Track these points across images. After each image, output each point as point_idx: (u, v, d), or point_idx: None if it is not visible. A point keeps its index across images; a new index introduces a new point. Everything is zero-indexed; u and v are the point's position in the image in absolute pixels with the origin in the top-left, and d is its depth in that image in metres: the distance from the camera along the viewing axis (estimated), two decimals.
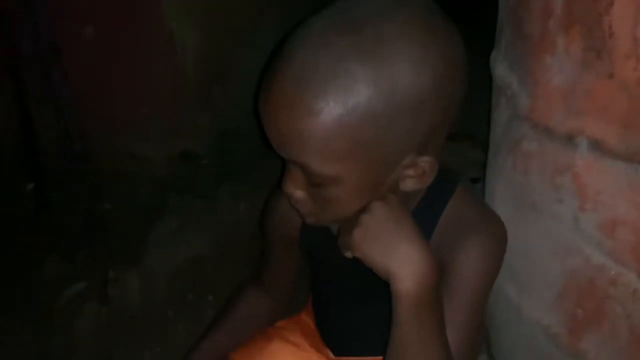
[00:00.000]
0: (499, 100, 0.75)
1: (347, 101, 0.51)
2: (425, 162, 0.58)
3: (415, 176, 0.59)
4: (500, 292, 0.85)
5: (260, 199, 1.44)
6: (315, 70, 0.51)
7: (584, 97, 0.58)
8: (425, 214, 0.67)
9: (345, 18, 0.53)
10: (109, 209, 1.43)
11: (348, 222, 0.62)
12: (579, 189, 0.64)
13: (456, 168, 1.41)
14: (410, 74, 0.52)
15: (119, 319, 1.16)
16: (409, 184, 0.60)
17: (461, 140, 1.44)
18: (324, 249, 0.75)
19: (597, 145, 0.60)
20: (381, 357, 0.64)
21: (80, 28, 1.32)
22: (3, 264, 1.31)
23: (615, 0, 0.51)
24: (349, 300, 0.77)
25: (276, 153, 0.61)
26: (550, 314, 0.76)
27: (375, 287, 0.63)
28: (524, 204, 0.74)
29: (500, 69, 0.73)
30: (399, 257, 0.57)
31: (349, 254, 0.61)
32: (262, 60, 1.54)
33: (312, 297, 0.88)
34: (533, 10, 0.61)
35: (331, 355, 0.83)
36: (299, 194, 0.61)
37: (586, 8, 0.54)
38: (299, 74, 0.52)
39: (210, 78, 1.40)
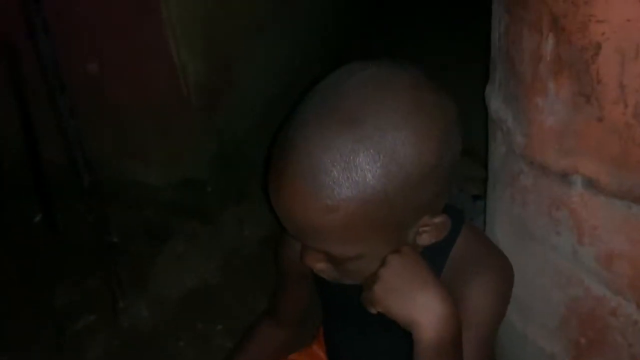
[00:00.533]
0: (495, 133, 0.76)
1: (360, 193, 0.53)
2: (438, 220, 0.60)
3: (430, 232, 0.61)
4: (505, 319, 0.86)
5: (264, 223, 1.47)
6: (326, 170, 0.52)
7: (576, 138, 0.59)
8: (433, 254, 0.68)
9: (341, 112, 0.54)
10: (115, 235, 1.45)
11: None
12: (576, 224, 0.65)
13: (457, 184, 1.43)
14: (413, 155, 0.54)
15: (131, 351, 1.17)
16: (425, 240, 0.62)
17: (461, 157, 1.44)
18: (334, 287, 0.76)
19: (591, 183, 0.61)
20: None
21: (85, 60, 1.35)
22: (12, 294, 1.32)
23: (601, 49, 0.52)
24: (362, 332, 0.78)
25: None
26: (554, 342, 0.77)
27: (388, 320, 0.65)
28: (524, 235, 0.75)
29: (495, 104, 0.74)
30: (419, 307, 0.59)
31: (373, 310, 0.62)
32: (262, 84, 1.58)
33: (323, 328, 0.90)
34: (524, 53, 0.62)
35: None
36: (320, 266, 0.63)
37: (573, 55, 0.55)
38: (309, 174, 0.53)
39: (212, 102, 1.41)
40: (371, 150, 0.52)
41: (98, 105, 1.42)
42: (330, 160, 0.52)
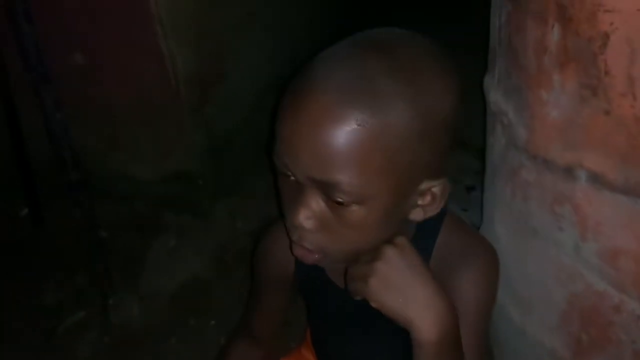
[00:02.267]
0: (494, 126, 0.74)
1: (387, 115, 0.51)
2: (438, 186, 0.58)
3: (424, 205, 0.59)
4: (503, 313, 0.85)
5: (256, 215, 1.45)
6: (354, 84, 0.52)
7: (581, 132, 0.58)
8: (419, 246, 0.66)
9: (374, 41, 0.55)
10: (104, 230, 1.42)
11: (353, 261, 0.61)
12: (579, 219, 0.64)
13: (450, 175, 1.42)
14: (440, 95, 0.54)
15: (122, 348, 1.15)
16: (419, 214, 0.60)
17: (455, 148, 1.43)
18: (320, 291, 0.74)
19: (596, 178, 0.59)
20: None
21: (70, 52, 1.31)
22: (0, 292, 1.30)
23: (609, 40, 0.51)
24: (349, 335, 0.77)
25: (275, 175, 0.59)
26: (554, 337, 0.76)
27: (375, 321, 0.63)
28: (525, 230, 0.74)
29: (495, 96, 0.72)
30: (418, 307, 0.57)
31: (359, 298, 0.60)
32: (252, 76, 1.55)
33: (310, 332, 0.88)
34: (528, 44, 0.60)
35: None
36: (310, 223, 0.57)
37: (580, 46, 0.53)
38: (337, 88, 0.52)
39: (202, 96, 1.39)
40: (401, 80, 0.52)
41: (85, 97, 1.38)
42: (360, 78, 0.52)
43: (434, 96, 0.53)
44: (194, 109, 1.37)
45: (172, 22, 1.25)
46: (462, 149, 1.44)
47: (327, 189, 0.54)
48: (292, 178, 0.57)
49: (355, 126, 0.51)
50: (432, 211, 0.60)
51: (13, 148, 1.42)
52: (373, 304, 0.59)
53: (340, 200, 0.54)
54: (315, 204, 0.56)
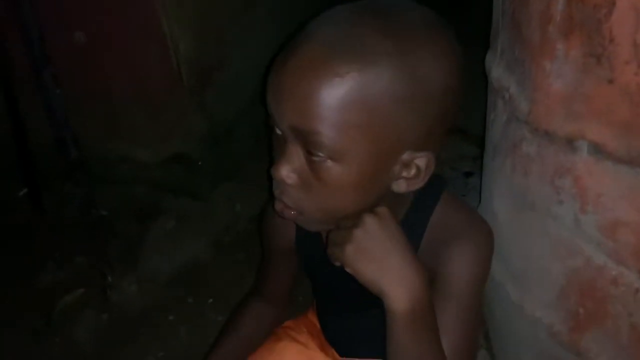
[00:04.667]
0: (495, 101, 0.75)
1: (371, 72, 0.52)
2: (422, 158, 0.58)
3: (408, 177, 0.59)
4: (500, 289, 0.85)
5: (255, 199, 1.45)
6: (345, 40, 0.52)
7: (584, 102, 0.58)
8: (413, 220, 0.67)
9: (374, 6, 0.56)
10: (104, 212, 1.43)
11: (330, 223, 0.62)
12: (580, 191, 0.65)
13: (449, 162, 1.43)
14: (430, 63, 0.54)
15: (120, 325, 1.15)
16: (402, 186, 0.60)
17: (453, 134, 1.44)
18: (318, 259, 0.75)
19: (597, 149, 0.60)
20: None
21: (71, 33, 1.31)
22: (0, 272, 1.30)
23: (615, 7, 0.51)
24: (348, 305, 0.77)
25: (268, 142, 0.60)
26: (552, 313, 0.77)
27: (367, 291, 0.64)
28: (524, 205, 0.75)
29: (497, 72, 0.73)
30: (392, 277, 0.57)
31: (338, 264, 0.61)
32: (253, 62, 1.55)
33: (315, 304, 0.89)
34: (532, 15, 0.61)
35: (336, 355, 0.83)
36: (290, 178, 0.58)
37: (586, 14, 0.54)
38: (328, 41, 0.53)
39: (203, 80, 1.39)
40: (393, 43, 0.52)
41: (86, 81, 1.38)
42: (352, 34, 0.53)
43: (422, 64, 0.53)
44: (194, 94, 1.38)
45: (174, 7, 1.25)
46: (460, 136, 1.45)
47: (306, 141, 0.55)
48: (279, 132, 0.58)
49: (337, 78, 0.51)
50: (416, 185, 0.60)
51: (13, 130, 1.42)
52: (348, 270, 0.60)
53: (318, 153, 0.55)
54: (297, 159, 0.57)
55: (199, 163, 1.42)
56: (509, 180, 0.76)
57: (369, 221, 0.58)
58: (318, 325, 0.87)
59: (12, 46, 1.33)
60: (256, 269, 0.94)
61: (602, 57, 0.54)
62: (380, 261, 0.58)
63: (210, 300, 1.18)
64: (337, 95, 0.52)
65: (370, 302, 0.67)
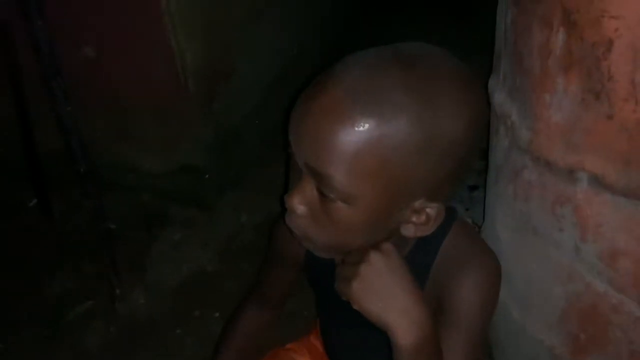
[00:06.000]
0: (498, 127, 0.75)
1: (389, 125, 0.52)
2: (433, 208, 0.59)
3: (417, 223, 0.60)
4: (503, 310, 0.86)
5: (261, 209, 1.46)
6: (368, 90, 0.53)
7: (584, 135, 0.59)
8: (423, 249, 0.68)
9: (401, 54, 0.56)
10: (112, 221, 1.44)
11: (339, 253, 0.63)
12: (580, 221, 0.65)
13: None
14: (449, 121, 0.54)
15: (128, 337, 1.17)
16: (410, 230, 0.61)
17: (464, 180, 1.44)
18: (327, 276, 0.76)
19: (597, 180, 0.60)
20: None
21: (80, 44, 1.32)
22: (8, 281, 1.32)
23: (613, 46, 0.51)
24: (355, 326, 0.77)
25: (284, 165, 0.61)
26: (553, 335, 0.77)
27: None
28: (525, 230, 0.75)
29: (499, 98, 0.73)
30: (397, 313, 0.58)
31: (345, 299, 0.62)
32: (260, 71, 1.56)
33: (319, 321, 0.89)
34: (532, 47, 0.61)
35: None
36: (301, 209, 0.60)
37: (585, 51, 0.54)
38: (351, 88, 0.53)
39: (210, 90, 1.40)
40: (414, 99, 0.53)
41: (94, 91, 1.39)
42: (375, 85, 0.53)
43: (442, 118, 0.54)
44: (201, 103, 1.39)
45: (181, 17, 1.26)
46: None
47: (319, 180, 0.56)
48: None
49: (354, 128, 0.52)
50: (424, 232, 0.61)
51: (23, 139, 1.44)
52: (354, 306, 0.61)
53: (328, 194, 0.56)
54: (310, 192, 0.58)
55: (206, 176, 1.43)
56: (511, 205, 0.76)
57: (374, 258, 0.59)
58: (320, 348, 0.88)
59: (22, 57, 1.35)
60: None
61: (601, 93, 0.54)
62: (385, 298, 0.59)
63: (217, 314, 1.19)
64: (352, 145, 0.53)
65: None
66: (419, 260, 0.64)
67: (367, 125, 0.52)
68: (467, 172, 0.60)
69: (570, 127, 0.59)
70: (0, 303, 1.26)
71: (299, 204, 0.59)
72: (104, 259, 1.28)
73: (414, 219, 0.59)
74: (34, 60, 1.30)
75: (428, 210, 0.59)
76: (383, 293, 0.59)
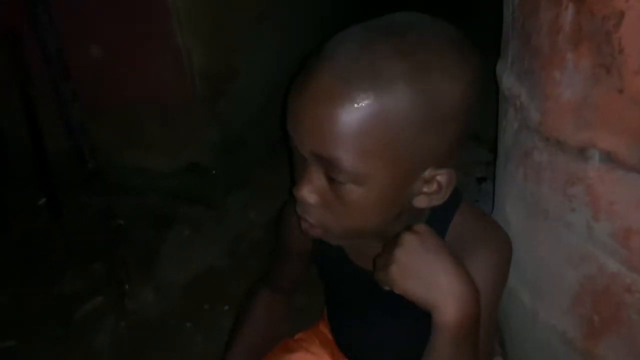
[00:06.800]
0: (506, 110, 0.75)
1: (388, 98, 0.52)
2: (443, 174, 0.58)
3: (430, 193, 0.59)
4: (514, 296, 0.86)
5: (268, 206, 1.46)
6: (360, 65, 0.52)
7: (594, 111, 0.59)
8: (433, 226, 0.67)
9: (388, 24, 0.56)
10: (120, 221, 1.45)
11: (355, 238, 0.63)
12: (592, 200, 0.65)
13: (462, 168, 1.43)
14: (447, 83, 0.53)
15: (138, 333, 1.17)
16: (423, 201, 0.60)
17: (467, 142, 1.44)
18: (336, 265, 0.76)
19: (609, 157, 0.60)
20: None
21: (88, 46, 1.33)
22: (19, 281, 1.32)
23: (624, 18, 0.52)
24: (363, 314, 0.78)
25: (288, 159, 0.61)
26: (566, 320, 0.77)
27: (389, 302, 0.64)
28: (536, 212, 0.75)
29: (508, 81, 0.73)
30: (440, 290, 0.57)
31: (387, 288, 0.61)
32: (265, 72, 1.57)
33: (327, 311, 0.89)
34: (541, 25, 0.61)
35: None
36: (312, 198, 0.59)
37: (595, 25, 0.54)
38: (343, 67, 0.53)
39: (216, 91, 1.41)
40: (409, 64, 0.52)
41: (102, 92, 1.41)
42: (367, 59, 0.52)
43: (441, 83, 0.53)
44: (208, 104, 1.40)
45: (188, 19, 1.27)
46: (474, 141, 1.45)
47: (327, 166, 0.56)
48: (299, 153, 0.58)
49: (355, 105, 0.52)
50: (437, 200, 0.60)
51: (32, 141, 1.45)
52: (396, 291, 0.60)
53: (338, 178, 0.56)
54: (318, 179, 0.58)
55: (213, 172, 1.44)
56: (522, 187, 0.76)
57: (408, 239, 0.59)
58: (329, 336, 0.88)
59: (31, 59, 1.36)
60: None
61: (611, 67, 0.54)
62: (425, 277, 0.58)
63: (226, 307, 1.19)
64: (354, 123, 0.52)
65: (388, 307, 0.67)
66: None
67: (365, 101, 0.52)
68: (470, 135, 0.59)
69: (581, 103, 0.59)
70: (11, 302, 1.26)
71: (310, 194, 0.59)
72: (113, 258, 1.29)
73: (425, 189, 0.59)
74: (42, 63, 1.32)
75: (438, 177, 0.58)
76: (422, 273, 0.58)
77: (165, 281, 1.29)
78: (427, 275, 0.58)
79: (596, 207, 0.65)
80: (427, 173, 0.58)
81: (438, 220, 0.68)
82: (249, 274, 1.27)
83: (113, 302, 1.23)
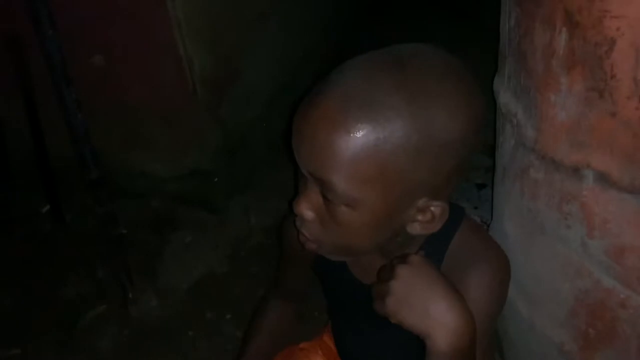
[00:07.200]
0: (504, 126, 0.76)
1: (383, 129, 0.53)
2: (437, 206, 0.60)
3: (423, 222, 0.61)
4: (512, 307, 0.87)
5: (269, 211, 1.48)
6: (359, 96, 0.54)
7: (588, 133, 0.60)
8: (433, 247, 0.69)
9: (391, 56, 0.57)
10: (123, 226, 1.46)
11: (350, 256, 0.65)
12: (587, 217, 0.66)
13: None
14: (444, 117, 0.55)
15: (141, 339, 1.18)
16: (416, 228, 0.62)
17: (466, 174, 1.45)
18: (337, 277, 0.77)
19: (603, 178, 0.61)
20: None
21: (91, 52, 1.34)
22: (23, 286, 1.34)
23: (615, 45, 0.52)
24: (365, 325, 0.79)
25: (292, 168, 0.62)
26: (562, 332, 0.78)
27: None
28: (533, 228, 0.76)
29: (505, 97, 0.74)
30: (433, 320, 0.59)
31: (383, 315, 0.63)
32: (266, 76, 1.58)
33: (330, 322, 0.91)
34: (536, 48, 0.62)
35: None
36: (309, 214, 0.62)
37: (587, 51, 0.55)
38: (344, 97, 0.55)
39: (217, 95, 1.42)
40: (407, 96, 0.53)
41: (105, 98, 1.42)
42: (366, 90, 0.54)
43: (438, 119, 0.54)
44: (209, 108, 1.41)
45: (189, 24, 1.28)
46: None
47: (321, 186, 0.58)
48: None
49: (350, 135, 0.53)
50: (430, 229, 0.62)
51: (35, 147, 1.46)
52: (393, 321, 0.62)
53: (332, 199, 0.58)
54: (315, 197, 0.60)
55: (215, 180, 1.45)
56: (519, 202, 0.77)
57: (403, 272, 0.60)
58: (333, 348, 0.89)
59: (34, 66, 1.37)
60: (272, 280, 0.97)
61: (604, 91, 0.55)
62: (419, 308, 0.60)
63: (229, 315, 1.21)
64: (350, 150, 0.54)
65: (386, 323, 0.68)
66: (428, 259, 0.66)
67: (361, 131, 0.53)
68: (468, 168, 0.61)
69: (575, 125, 0.60)
70: (15, 308, 1.28)
71: (307, 210, 0.61)
72: (116, 263, 1.30)
73: (419, 217, 0.61)
74: (46, 69, 1.33)
75: (432, 208, 0.60)
76: (416, 304, 0.60)
77: (167, 286, 1.31)
78: (420, 306, 0.59)
79: (590, 225, 0.66)
80: (422, 202, 0.59)
81: (438, 240, 0.69)
82: (251, 278, 1.28)
83: (116, 308, 1.25)
